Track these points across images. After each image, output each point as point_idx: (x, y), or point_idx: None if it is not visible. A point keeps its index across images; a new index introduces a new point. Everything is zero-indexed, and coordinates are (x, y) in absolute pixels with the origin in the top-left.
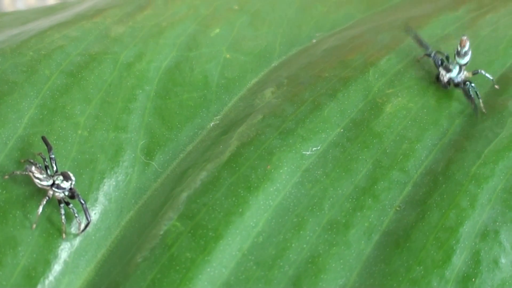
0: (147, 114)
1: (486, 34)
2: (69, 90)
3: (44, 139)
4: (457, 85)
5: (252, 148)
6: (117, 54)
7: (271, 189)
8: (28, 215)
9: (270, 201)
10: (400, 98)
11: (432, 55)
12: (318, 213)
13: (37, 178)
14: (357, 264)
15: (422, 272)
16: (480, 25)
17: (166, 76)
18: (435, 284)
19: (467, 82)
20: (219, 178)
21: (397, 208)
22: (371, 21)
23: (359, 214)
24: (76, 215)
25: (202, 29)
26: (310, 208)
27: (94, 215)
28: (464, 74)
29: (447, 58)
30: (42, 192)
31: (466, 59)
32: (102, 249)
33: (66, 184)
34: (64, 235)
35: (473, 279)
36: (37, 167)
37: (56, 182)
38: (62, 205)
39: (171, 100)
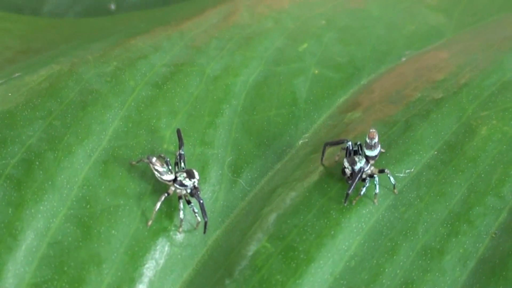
0: (234, 129)
1: None
2: (154, 103)
3: (178, 132)
4: (363, 179)
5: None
6: (203, 66)
7: (364, 211)
8: (113, 231)
9: (363, 224)
10: (495, 121)
11: (348, 145)
12: (412, 238)
13: (157, 171)
14: None
15: None
16: None
17: (253, 90)
18: None
19: (375, 176)
20: (310, 198)
21: (493, 235)
22: (462, 40)
23: (454, 240)
24: (196, 215)
25: (290, 43)
26: (404, 232)
27: (180, 234)
28: (371, 169)
29: (360, 146)
30: (125, 207)
31: (375, 152)
32: (188, 269)
33: (189, 182)
34: (180, 230)
35: None
36: (159, 159)
37: (179, 178)
38: (181, 200)
39: (258, 116)
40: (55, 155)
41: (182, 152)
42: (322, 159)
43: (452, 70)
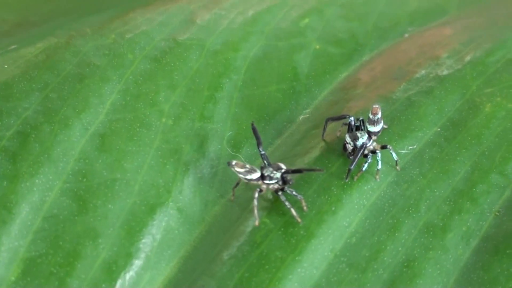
0: (234, 104)
1: None
2: (153, 76)
3: (254, 130)
4: (365, 155)
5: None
6: (203, 40)
7: (365, 187)
8: (109, 205)
9: (364, 200)
10: (499, 98)
11: (350, 120)
12: (414, 215)
13: (240, 172)
14: (454, 270)
15: None
16: None
17: (254, 65)
18: None
19: (377, 152)
20: (311, 174)
21: (497, 213)
22: (465, 17)
23: (457, 217)
24: (299, 198)
25: (291, 18)
26: (406, 209)
27: (178, 208)
28: (373, 144)
29: (362, 122)
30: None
31: (378, 127)
32: (185, 244)
33: (277, 174)
34: (299, 220)
35: None
36: (238, 162)
37: (266, 174)
38: (280, 193)
39: (259, 91)
40: (52, 128)
41: (263, 152)
42: (323, 134)
43: (456, 47)
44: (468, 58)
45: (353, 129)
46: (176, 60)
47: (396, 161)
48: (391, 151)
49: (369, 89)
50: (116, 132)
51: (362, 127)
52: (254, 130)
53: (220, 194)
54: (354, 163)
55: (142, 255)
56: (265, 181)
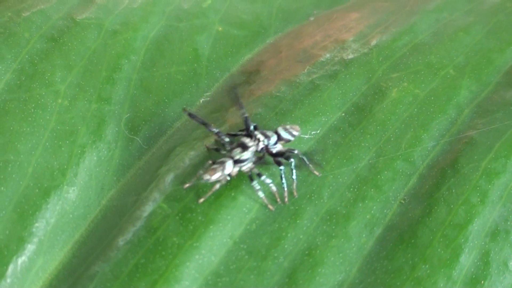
0: (133, 86)
1: None
2: (49, 56)
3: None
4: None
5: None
6: (102, 20)
7: (266, 173)
8: (1, 188)
9: (263, 186)
10: (406, 83)
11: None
12: (316, 202)
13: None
14: (357, 259)
15: (428, 271)
16: None
17: (153, 46)
18: (441, 285)
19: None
20: (210, 158)
21: (402, 201)
22: (372, 0)
23: (360, 205)
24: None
25: None
26: (308, 196)
27: (73, 191)
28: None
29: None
30: None
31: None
32: (80, 228)
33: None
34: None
35: (482, 282)
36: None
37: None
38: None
39: (158, 73)
40: None
41: (246, 115)
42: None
43: (362, 30)
44: (374, 42)
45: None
46: (74, 39)
47: (294, 183)
48: (292, 166)
49: (273, 72)
50: (10, 112)
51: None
52: (235, 95)
53: (117, 178)
54: None
55: (35, 240)
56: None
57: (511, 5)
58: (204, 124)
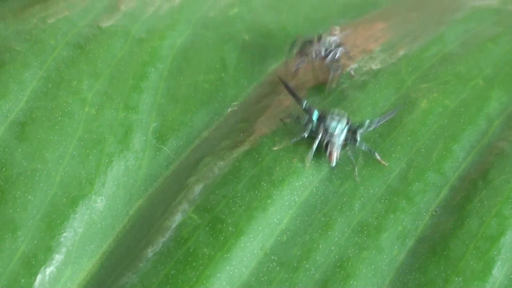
0: (160, 94)
1: None
2: (75, 63)
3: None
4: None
5: (276, 138)
6: (127, 27)
7: (297, 184)
8: (29, 197)
9: (296, 197)
10: (435, 94)
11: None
12: (347, 213)
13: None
14: (389, 271)
15: (461, 283)
16: None
17: (180, 55)
18: None
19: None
20: (240, 168)
21: (433, 213)
22: (400, 10)
23: (392, 216)
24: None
25: (219, 8)
26: (339, 207)
27: (101, 201)
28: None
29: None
30: None
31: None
32: (108, 239)
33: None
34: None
35: None
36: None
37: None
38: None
39: (185, 82)
40: None
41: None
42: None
43: (390, 40)
44: (402, 52)
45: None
46: (100, 47)
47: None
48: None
49: (301, 82)
50: (37, 120)
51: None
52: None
53: (145, 188)
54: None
55: (63, 250)
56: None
57: None
58: (297, 100)
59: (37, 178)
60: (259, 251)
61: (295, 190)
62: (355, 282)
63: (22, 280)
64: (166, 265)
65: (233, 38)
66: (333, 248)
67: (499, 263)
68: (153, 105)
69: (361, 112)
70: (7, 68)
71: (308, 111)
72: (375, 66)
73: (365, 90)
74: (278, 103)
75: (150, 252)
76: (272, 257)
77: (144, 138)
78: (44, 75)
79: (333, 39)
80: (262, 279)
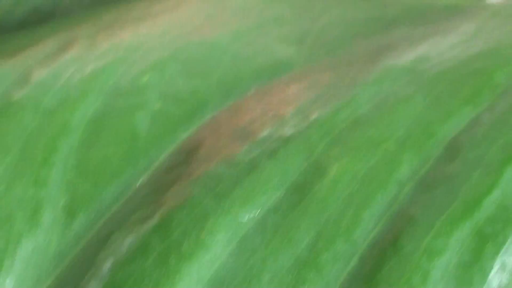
0: (70, 168)
1: None
2: None
3: None
4: None
5: (184, 212)
6: (39, 99)
7: (206, 258)
8: None
9: (205, 271)
10: (346, 160)
11: None
12: (256, 287)
13: None
14: None
15: None
16: None
17: (91, 125)
18: None
19: None
20: (148, 244)
21: (343, 284)
22: (313, 72)
23: None
24: None
25: (131, 76)
26: (248, 280)
27: (10, 281)
28: None
29: None
30: None
31: None
32: None
33: None
34: None
35: None
36: None
37: None
38: None
39: (95, 154)
40: None
41: None
42: None
43: (302, 104)
44: (314, 116)
45: None
46: (10, 121)
47: None
48: None
49: (212, 151)
50: None
51: None
52: None
53: (54, 266)
54: None
55: None
56: None
57: (452, 76)
58: None
59: None
60: None
61: (204, 265)
62: None
63: None
64: None
65: (144, 107)
66: None
67: None
68: (62, 180)
69: (270, 181)
70: None
71: None
72: (286, 132)
73: (275, 157)
74: (188, 174)
75: None
76: None
77: (53, 215)
78: None
79: None
80: None
